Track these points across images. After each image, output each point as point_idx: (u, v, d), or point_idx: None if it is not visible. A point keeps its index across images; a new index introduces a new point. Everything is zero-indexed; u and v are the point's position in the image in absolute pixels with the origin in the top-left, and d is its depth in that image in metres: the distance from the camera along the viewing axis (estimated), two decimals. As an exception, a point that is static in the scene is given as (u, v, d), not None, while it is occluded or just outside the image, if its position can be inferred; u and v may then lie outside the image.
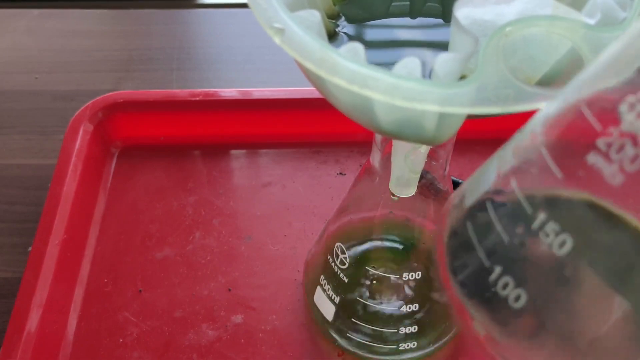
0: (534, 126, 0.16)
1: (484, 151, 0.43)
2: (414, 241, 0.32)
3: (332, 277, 0.32)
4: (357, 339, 0.32)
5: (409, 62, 0.18)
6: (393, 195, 0.29)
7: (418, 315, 0.31)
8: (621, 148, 0.13)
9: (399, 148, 0.26)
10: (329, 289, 0.32)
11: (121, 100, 0.43)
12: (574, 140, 0.15)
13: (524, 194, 0.15)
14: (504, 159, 0.17)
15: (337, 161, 0.43)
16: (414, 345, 0.31)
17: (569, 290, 0.15)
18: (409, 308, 0.31)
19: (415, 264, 0.32)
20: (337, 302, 0.32)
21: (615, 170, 0.13)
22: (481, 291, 0.16)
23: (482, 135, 0.42)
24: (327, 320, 0.33)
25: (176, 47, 0.54)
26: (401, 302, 0.31)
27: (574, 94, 0.15)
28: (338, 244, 0.32)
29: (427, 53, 0.24)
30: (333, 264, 0.32)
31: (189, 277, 0.36)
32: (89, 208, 0.39)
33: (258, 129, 0.44)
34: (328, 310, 0.32)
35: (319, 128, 0.44)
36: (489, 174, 0.17)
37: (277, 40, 0.18)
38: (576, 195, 0.15)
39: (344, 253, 0.31)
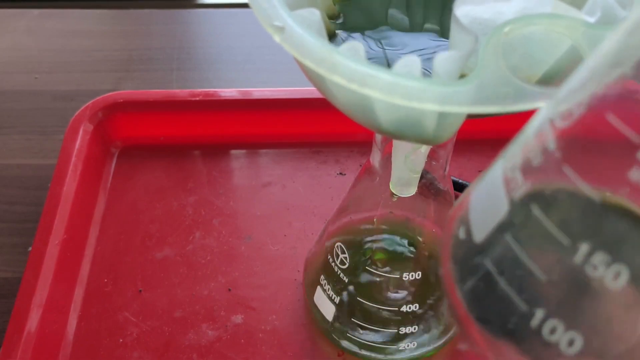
0: (546, 142, 0.14)
1: (484, 151, 0.43)
2: (414, 241, 0.32)
3: (332, 277, 0.32)
4: (357, 339, 0.32)
5: (409, 61, 0.18)
6: (393, 195, 0.29)
7: (418, 315, 0.31)
8: None
9: (399, 148, 0.26)
10: (329, 289, 0.32)
11: (121, 100, 0.43)
12: (600, 151, 0.13)
13: (554, 223, 0.13)
14: (516, 181, 0.14)
15: (337, 161, 0.43)
16: (414, 345, 0.31)
17: (635, 323, 0.13)
18: (409, 308, 0.31)
19: (415, 264, 0.32)
20: (337, 302, 0.32)
21: None
22: (517, 335, 0.14)
23: (482, 135, 0.42)
24: (327, 320, 0.33)
25: (176, 47, 0.54)
26: (401, 302, 0.31)
27: (585, 91, 0.13)
28: (338, 244, 0.32)
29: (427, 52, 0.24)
30: (333, 264, 0.32)
31: (189, 277, 0.36)
32: (89, 208, 0.39)
33: (258, 129, 0.44)
34: (328, 310, 0.32)
35: (319, 128, 0.44)
36: (497, 198, 0.15)
37: (277, 38, 0.18)
38: (615, 213, 0.13)
39: (344, 253, 0.31)
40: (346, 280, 0.31)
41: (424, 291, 0.31)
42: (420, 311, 0.31)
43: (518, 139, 0.16)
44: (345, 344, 0.32)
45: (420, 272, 0.30)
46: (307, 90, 0.43)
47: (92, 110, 0.42)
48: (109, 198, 0.40)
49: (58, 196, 0.37)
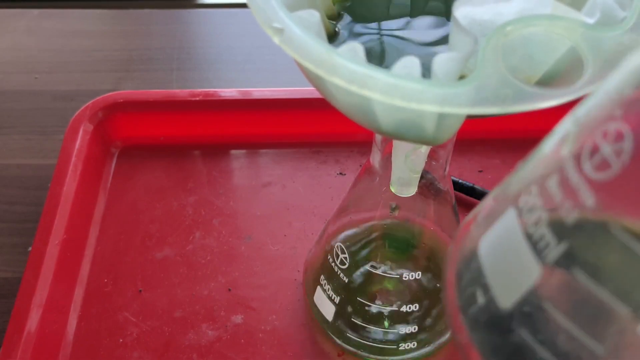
0: (579, 196, 0.12)
1: (484, 151, 0.43)
2: (414, 241, 0.32)
3: (332, 277, 0.32)
4: (357, 339, 0.32)
5: (408, 62, 0.18)
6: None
7: (418, 315, 0.31)
8: None
9: (399, 148, 0.26)
10: (329, 289, 0.32)
11: (121, 100, 0.43)
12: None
13: (609, 290, 0.11)
14: (545, 240, 0.12)
15: (337, 161, 0.43)
16: (414, 345, 0.31)
17: None
18: (409, 308, 0.31)
19: (415, 264, 0.32)
20: (337, 302, 0.32)
21: None
22: None
23: (482, 135, 0.42)
24: (327, 320, 0.33)
25: (176, 47, 0.54)
26: (401, 302, 0.31)
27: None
28: (338, 244, 0.32)
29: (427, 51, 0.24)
30: (333, 264, 0.32)
31: (189, 277, 0.36)
32: (89, 208, 0.39)
33: (258, 129, 0.44)
34: (328, 310, 0.32)
35: (319, 128, 0.44)
36: (523, 259, 0.13)
37: (276, 40, 0.18)
38: None
39: (344, 253, 0.31)
40: (346, 280, 0.31)
41: (423, 291, 0.31)
42: (420, 311, 0.31)
43: (524, 179, 0.14)
44: (345, 344, 0.32)
45: (420, 272, 0.30)
46: (307, 90, 0.43)
47: (92, 110, 0.42)
48: (109, 198, 0.41)
49: (58, 196, 0.37)
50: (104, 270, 0.37)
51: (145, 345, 0.33)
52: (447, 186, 0.29)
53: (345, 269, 0.31)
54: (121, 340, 0.34)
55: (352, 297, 0.31)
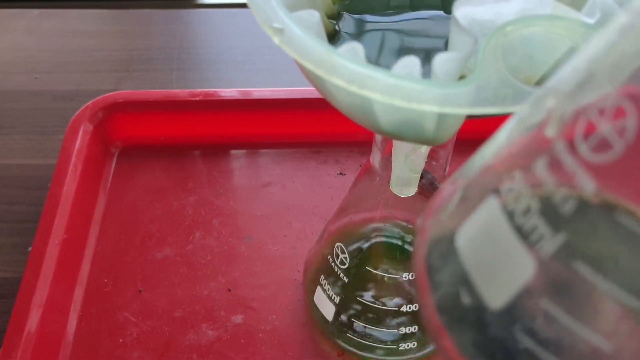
0: (575, 180, 0.10)
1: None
2: (413, 241, 0.32)
3: (332, 277, 0.32)
4: (357, 339, 0.32)
5: (408, 62, 0.18)
6: (393, 195, 0.29)
7: (418, 315, 0.31)
8: None
9: (400, 148, 0.26)
10: (329, 289, 0.32)
11: (121, 100, 0.43)
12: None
13: (616, 284, 0.10)
14: (538, 233, 0.11)
15: (337, 161, 0.43)
16: (414, 345, 0.31)
17: None
18: (409, 308, 0.31)
19: (415, 264, 0.32)
20: (337, 302, 0.32)
21: None
22: None
23: (482, 135, 0.42)
24: (327, 320, 0.33)
25: (176, 47, 0.54)
26: (401, 302, 0.31)
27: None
28: (338, 243, 0.32)
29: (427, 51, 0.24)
30: (333, 264, 0.32)
31: (189, 277, 0.36)
32: (89, 208, 0.39)
33: (258, 129, 0.44)
34: (328, 310, 0.32)
35: (319, 128, 0.44)
36: (513, 254, 0.12)
37: (276, 40, 0.18)
38: None
39: (344, 253, 0.31)
40: (346, 280, 0.31)
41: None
42: (420, 311, 0.31)
43: (491, 160, 0.12)
44: (345, 344, 0.32)
45: (420, 272, 0.30)
46: (307, 90, 0.43)
47: (92, 110, 0.42)
48: (109, 198, 0.41)
49: (58, 196, 0.37)
50: (104, 270, 0.37)
51: (145, 345, 0.33)
52: (447, 186, 0.29)
53: (345, 269, 0.31)
54: (121, 340, 0.34)
55: (352, 297, 0.31)
